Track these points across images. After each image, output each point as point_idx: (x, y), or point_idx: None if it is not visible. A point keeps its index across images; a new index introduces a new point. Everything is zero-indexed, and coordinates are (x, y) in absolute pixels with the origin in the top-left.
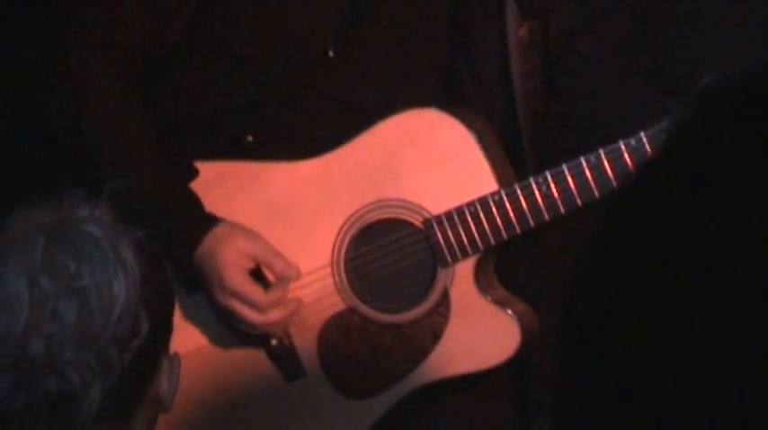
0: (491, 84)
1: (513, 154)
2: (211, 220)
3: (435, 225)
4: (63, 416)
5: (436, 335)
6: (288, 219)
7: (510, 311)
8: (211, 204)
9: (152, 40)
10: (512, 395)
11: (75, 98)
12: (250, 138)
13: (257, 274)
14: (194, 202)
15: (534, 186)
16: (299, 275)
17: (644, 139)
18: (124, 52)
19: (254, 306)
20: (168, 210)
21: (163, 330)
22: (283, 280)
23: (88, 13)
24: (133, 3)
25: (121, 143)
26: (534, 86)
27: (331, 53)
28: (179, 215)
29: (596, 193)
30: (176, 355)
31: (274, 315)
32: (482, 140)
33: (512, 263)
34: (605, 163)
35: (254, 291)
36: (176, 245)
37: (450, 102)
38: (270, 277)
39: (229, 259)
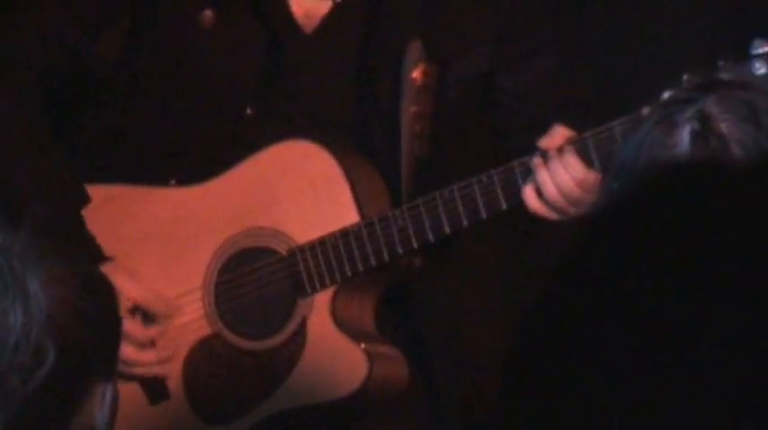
0: (388, 124)
1: (396, 194)
2: (96, 259)
3: (298, 254)
4: None
5: (291, 364)
6: (167, 243)
7: (363, 346)
8: (97, 227)
9: (66, 69)
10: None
11: None
12: (173, 182)
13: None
14: (84, 237)
15: (391, 220)
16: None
17: (494, 178)
18: (32, 83)
19: (131, 342)
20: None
21: (87, 360)
22: (162, 319)
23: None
24: (47, 24)
25: (19, 169)
26: (421, 129)
27: (249, 111)
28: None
29: (447, 229)
30: (114, 386)
31: (150, 354)
32: (350, 172)
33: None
34: (457, 199)
35: (132, 328)
36: None
37: (362, 144)
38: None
39: None
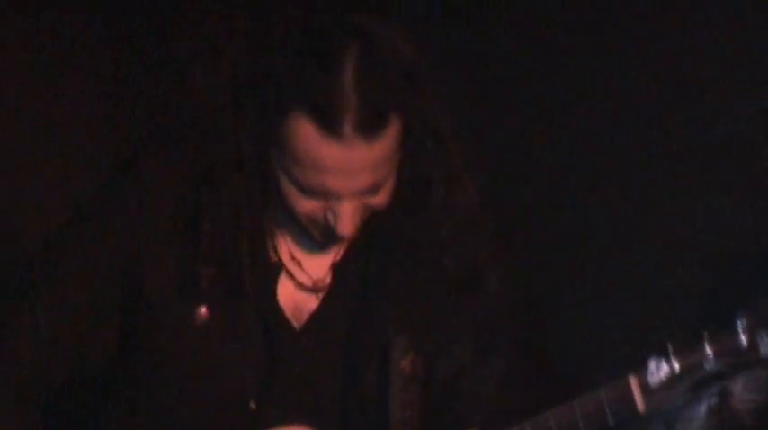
0: (373, 413)
1: None
2: None
3: None
4: None
5: None
6: None
7: None
8: None
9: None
10: None
11: None
12: None
13: None
14: None
15: None
16: None
17: None
18: (24, 382)
19: None
20: None
21: None
22: None
23: None
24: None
25: None
26: (410, 416)
27: (252, 405)
28: None
29: None
30: None
31: None
32: None
33: None
34: None
35: None
36: None
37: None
38: None
39: None
